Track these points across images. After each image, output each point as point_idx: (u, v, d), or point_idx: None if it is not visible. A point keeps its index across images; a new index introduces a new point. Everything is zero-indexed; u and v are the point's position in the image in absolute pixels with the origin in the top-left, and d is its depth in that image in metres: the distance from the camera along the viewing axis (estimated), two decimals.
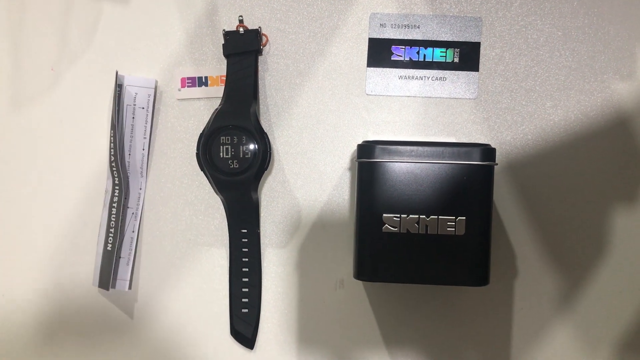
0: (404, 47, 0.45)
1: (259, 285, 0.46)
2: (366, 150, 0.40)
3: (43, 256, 0.47)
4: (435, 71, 0.45)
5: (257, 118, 0.44)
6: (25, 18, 0.47)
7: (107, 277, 0.45)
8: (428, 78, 0.45)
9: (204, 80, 0.46)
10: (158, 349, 0.47)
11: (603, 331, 0.45)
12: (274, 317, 0.46)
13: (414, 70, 0.45)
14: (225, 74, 0.45)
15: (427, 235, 0.39)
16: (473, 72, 0.45)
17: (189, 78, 0.46)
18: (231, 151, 0.43)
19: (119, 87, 0.45)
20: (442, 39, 0.45)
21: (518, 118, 0.45)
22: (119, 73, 0.45)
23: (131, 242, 0.46)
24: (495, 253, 0.45)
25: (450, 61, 0.45)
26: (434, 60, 0.45)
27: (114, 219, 0.45)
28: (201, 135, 0.44)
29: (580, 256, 0.45)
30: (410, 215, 0.39)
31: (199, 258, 0.46)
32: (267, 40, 0.46)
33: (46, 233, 0.47)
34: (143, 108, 0.46)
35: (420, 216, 0.39)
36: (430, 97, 0.45)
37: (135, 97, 0.46)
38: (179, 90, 0.46)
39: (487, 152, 0.40)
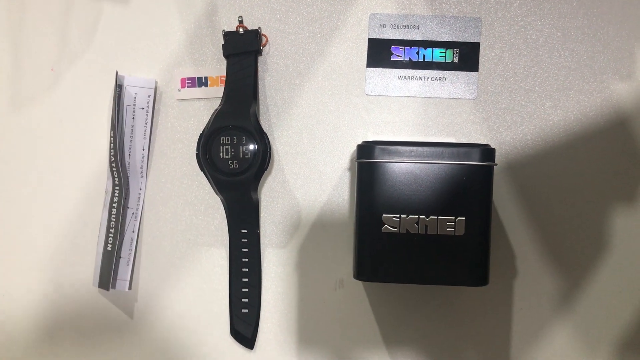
0: (403, 47, 0.45)
1: (259, 285, 0.46)
2: (366, 150, 0.40)
3: (43, 256, 0.47)
4: (435, 71, 0.45)
5: (257, 118, 0.44)
6: (25, 18, 0.47)
7: (107, 277, 0.45)
8: (427, 78, 0.45)
9: (203, 80, 0.46)
10: (158, 349, 0.47)
11: (603, 331, 0.45)
12: (274, 317, 0.46)
13: (414, 70, 0.45)
14: (225, 74, 0.45)
15: (426, 235, 0.39)
16: (472, 73, 0.45)
17: (188, 78, 0.46)
18: (231, 151, 0.44)
19: (119, 88, 0.45)
20: (441, 40, 0.45)
21: (517, 118, 0.45)
22: (118, 73, 0.45)
23: (131, 242, 0.46)
24: (495, 253, 0.45)
25: (450, 61, 0.45)
26: (434, 60, 0.45)
27: (114, 219, 0.45)
28: (201, 135, 0.44)
29: (579, 256, 0.45)
30: (410, 216, 0.39)
31: (198, 258, 0.46)
32: (267, 40, 0.46)
33: (46, 233, 0.47)
34: (143, 108, 0.46)
35: (420, 216, 0.39)
36: (429, 98, 0.45)
37: (135, 98, 0.46)
38: (179, 90, 0.46)
39: (487, 152, 0.40)
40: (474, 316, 0.46)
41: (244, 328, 0.46)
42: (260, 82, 0.46)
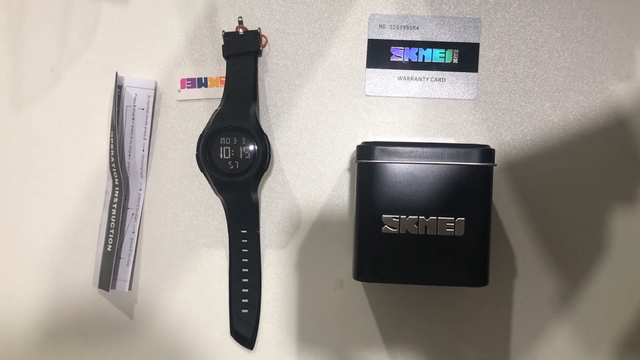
0: (403, 48, 0.45)
1: (259, 285, 0.46)
2: (365, 151, 0.40)
3: (43, 256, 0.47)
4: (435, 72, 0.45)
5: (256, 119, 0.44)
6: (25, 18, 0.47)
7: (107, 277, 0.45)
8: (427, 79, 0.45)
9: (203, 81, 0.46)
10: (158, 349, 0.47)
11: (603, 331, 0.45)
12: (274, 317, 0.46)
13: (413, 71, 0.45)
14: (224, 75, 0.45)
15: (426, 236, 0.39)
16: (472, 73, 0.45)
17: (188, 79, 0.46)
18: (231, 152, 0.44)
19: (118, 88, 0.45)
20: (441, 40, 0.45)
21: (517, 119, 0.45)
22: (118, 74, 0.45)
23: (131, 242, 0.46)
24: (495, 253, 0.45)
25: (450, 62, 0.45)
26: (433, 61, 0.45)
27: (114, 220, 0.45)
28: (201, 136, 0.44)
29: (579, 256, 0.45)
30: (410, 216, 0.39)
31: (198, 259, 0.46)
32: (267, 41, 0.46)
33: (46, 233, 0.47)
34: (143, 109, 0.46)
35: (420, 217, 0.39)
36: (429, 98, 0.45)
37: (135, 98, 0.46)
38: (179, 91, 0.46)
39: (486, 153, 0.40)
40: (474, 316, 0.46)
41: (244, 328, 0.46)
42: (260, 83, 0.46)
